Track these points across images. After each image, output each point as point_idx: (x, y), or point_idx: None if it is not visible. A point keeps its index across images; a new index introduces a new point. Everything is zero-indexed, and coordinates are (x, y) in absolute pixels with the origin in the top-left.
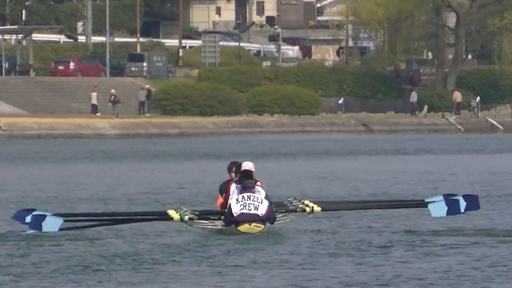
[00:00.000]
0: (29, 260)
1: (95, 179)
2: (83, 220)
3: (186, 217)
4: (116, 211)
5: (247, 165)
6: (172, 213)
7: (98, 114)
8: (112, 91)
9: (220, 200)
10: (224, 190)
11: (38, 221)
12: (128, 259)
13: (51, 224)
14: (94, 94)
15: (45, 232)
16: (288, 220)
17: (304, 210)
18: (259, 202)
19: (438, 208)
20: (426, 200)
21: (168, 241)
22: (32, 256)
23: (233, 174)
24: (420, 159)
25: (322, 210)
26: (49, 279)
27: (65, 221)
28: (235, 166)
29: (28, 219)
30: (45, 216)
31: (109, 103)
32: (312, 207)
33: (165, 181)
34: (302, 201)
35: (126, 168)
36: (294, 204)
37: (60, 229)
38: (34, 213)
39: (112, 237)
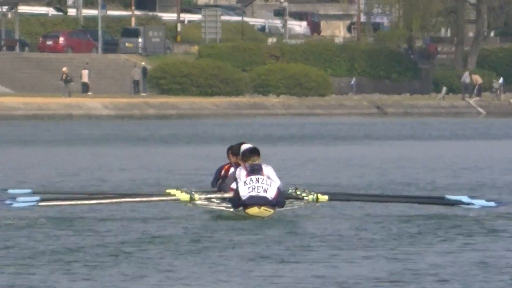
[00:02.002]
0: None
1: (83, 163)
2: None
3: (196, 196)
4: (115, 192)
5: (247, 146)
6: (175, 192)
7: (89, 93)
8: (64, 69)
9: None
10: (218, 173)
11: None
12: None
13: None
14: (85, 72)
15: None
16: (296, 207)
17: (308, 199)
18: (268, 185)
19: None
20: (449, 197)
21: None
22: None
23: (232, 158)
24: (438, 144)
25: (329, 199)
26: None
27: (42, 199)
28: (231, 149)
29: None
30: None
31: (60, 81)
32: (317, 195)
33: (157, 166)
34: (304, 190)
35: (118, 152)
36: (298, 192)
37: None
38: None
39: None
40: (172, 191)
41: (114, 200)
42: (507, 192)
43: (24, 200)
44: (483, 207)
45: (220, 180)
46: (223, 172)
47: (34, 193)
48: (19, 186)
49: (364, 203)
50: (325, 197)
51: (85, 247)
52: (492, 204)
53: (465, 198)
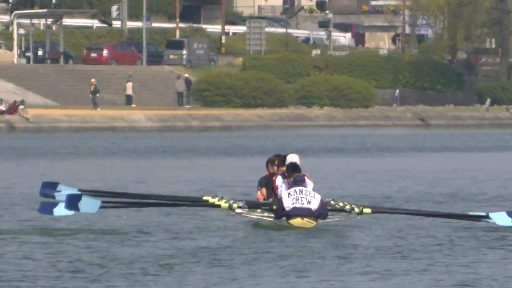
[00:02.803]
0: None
1: (125, 175)
2: (121, 202)
3: (235, 205)
4: (158, 194)
5: (293, 157)
6: (216, 201)
7: (133, 105)
8: (92, 80)
9: (260, 193)
10: (264, 183)
11: (74, 202)
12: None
13: (89, 205)
14: (129, 84)
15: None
16: (336, 219)
17: (353, 210)
18: (311, 197)
19: (502, 218)
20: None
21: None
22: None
23: (275, 168)
24: (480, 156)
25: (373, 212)
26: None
27: (103, 202)
28: (278, 159)
29: (59, 198)
30: (81, 196)
31: (90, 95)
32: (362, 208)
33: (200, 178)
34: (343, 202)
35: (159, 164)
36: (338, 204)
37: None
38: (68, 193)
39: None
40: (211, 199)
41: (161, 202)
42: None
43: (85, 205)
44: None
45: (266, 189)
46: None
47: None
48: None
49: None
50: (369, 210)
51: (126, 257)
52: None
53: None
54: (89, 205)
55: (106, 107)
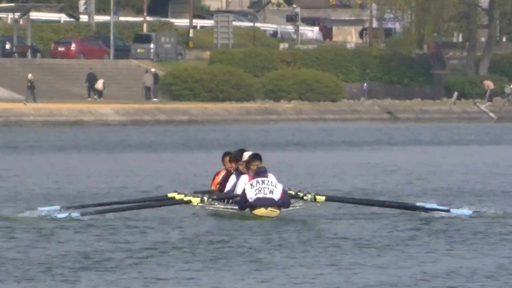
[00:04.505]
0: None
1: (95, 170)
2: (94, 211)
3: (205, 198)
4: (127, 199)
5: (250, 153)
6: (185, 197)
7: (99, 99)
8: (29, 75)
9: (216, 185)
10: (222, 180)
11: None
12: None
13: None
14: (100, 81)
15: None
16: (297, 207)
17: (306, 197)
18: (273, 186)
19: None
20: (423, 205)
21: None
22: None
23: (228, 165)
24: (450, 150)
25: (326, 200)
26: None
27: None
28: (229, 155)
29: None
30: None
31: (28, 90)
32: (315, 196)
33: (163, 172)
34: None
35: (124, 158)
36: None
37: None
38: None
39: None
40: (173, 195)
41: (131, 206)
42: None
43: (64, 217)
44: (458, 215)
45: (218, 186)
46: (219, 178)
47: (62, 208)
48: (45, 199)
49: (356, 206)
50: (323, 198)
51: (102, 253)
52: (468, 212)
53: (438, 206)
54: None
55: (74, 101)
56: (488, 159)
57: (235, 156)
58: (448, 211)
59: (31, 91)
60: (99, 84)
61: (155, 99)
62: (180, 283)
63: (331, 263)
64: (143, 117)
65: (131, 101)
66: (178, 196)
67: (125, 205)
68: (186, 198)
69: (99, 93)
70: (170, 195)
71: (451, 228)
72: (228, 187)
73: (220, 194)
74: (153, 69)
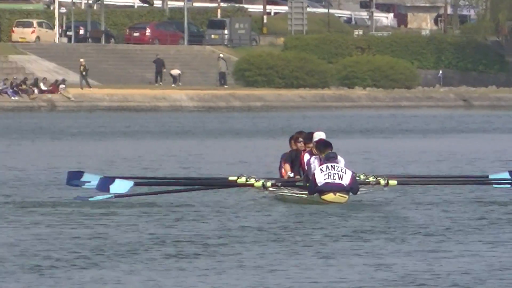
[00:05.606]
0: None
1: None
2: (154, 183)
3: (269, 184)
4: (189, 176)
5: (321, 134)
6: (250, 180)
7: (173, 85)
8: (81, 60)
9: (284, 169)
10: (289, 159)
11: (106, 184)
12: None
13: (120, 186)
14: (176, 70)
15: (113, 194)
16: (364, 191)
17: (379, 183)
18: (343, 172)
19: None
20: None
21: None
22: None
23: (299, 144)
24: None
25: (398, 183)
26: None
27: (135, 184)
28: (301, 136)
29: (89, 180)
30: (114, 179)
31: (80, 75)
32: (387, 179)
33: (230, 158)
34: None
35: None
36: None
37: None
38: (101, 176)
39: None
40: (239, 180)
41: (195, 186)
42: None
43: (116, 186)
44: None
45: (291, 165)
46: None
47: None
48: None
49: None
50: (395, 182)
51: (161, 237)
52: None
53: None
54: (121, 186)
55: (148, 86)
56: None
57: (306, 137)
58: None
59: (84, 76)
60: (175, 71)
61: (225, 86)
62: (258, 269)
63: (409, 250)
64: (217, 103)
65: (206, 87)
66: (240, 180)
67: (185, 184)
68: (249, 182)
69: (174, 79)
70: (231, 178)
71: None
72: (306, 165)
73: (285, 180)
74: (220, 55)
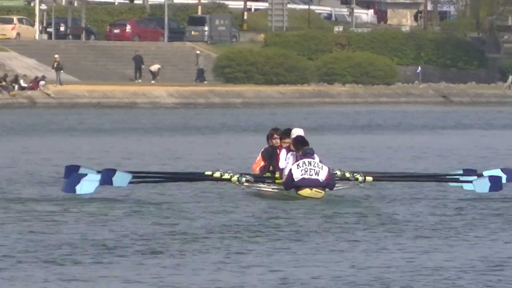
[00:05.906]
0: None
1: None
2: (150, 177)
3: (244, 179)
4: (166, 171)
5: (298, 131)
6: (225, 175)
7: (152, 81)
8: (56, 56)
9: (257, 164)
10: (267, 156)
11: (108, 176)
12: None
13: (121, 179)
14: (156, 66)
15: (115, 186)
16: (340, 187)
17: (356, 179)
18: (319, 168)
19: (481, 185)
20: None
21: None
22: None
23: (275, 141)
24: (500, 133)
25: (374, 180)
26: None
27: (133, 177)
28: (277, 133)
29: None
30: (115, 171)
31: (52, 70)
32: (364, 176)
33: (205, 154)
34: (349, 171)
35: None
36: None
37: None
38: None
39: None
40: (212, 173)
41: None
42: None
43: (118, 178)
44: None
45: (269, 161)
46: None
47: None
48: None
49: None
50: (370, 178)
51: (139, 233)
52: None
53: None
54: (121, 179)
55: (127, 83)
56: None
57: (282, 133)
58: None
59: (58, 72)
60: (154, 66)
61: (204, 82)
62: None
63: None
64: (197, 99)
65: (185, 83)
66: (216, 174)
67: (162, 176)
68: (225, 177)
69: (153, 75)
70: (207, 173)
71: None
72: (282, 161)
73: (257, 176)
74: (198, 51)
